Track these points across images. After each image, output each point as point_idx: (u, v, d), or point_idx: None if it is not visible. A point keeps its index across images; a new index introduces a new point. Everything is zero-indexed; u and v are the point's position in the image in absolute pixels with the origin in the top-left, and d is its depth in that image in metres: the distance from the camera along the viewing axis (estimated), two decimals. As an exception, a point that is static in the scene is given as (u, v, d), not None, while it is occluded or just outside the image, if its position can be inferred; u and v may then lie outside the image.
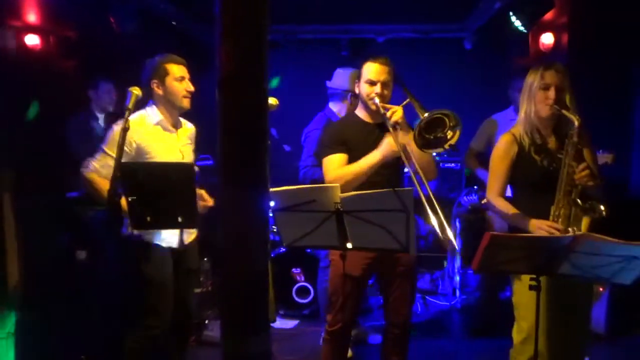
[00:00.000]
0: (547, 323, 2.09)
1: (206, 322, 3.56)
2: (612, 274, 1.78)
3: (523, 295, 2.12)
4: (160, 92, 2.38)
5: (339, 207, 1.89)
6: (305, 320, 3.78)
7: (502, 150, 2.24)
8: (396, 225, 1.86)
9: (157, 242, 2.39)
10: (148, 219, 2.01)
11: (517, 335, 2.20)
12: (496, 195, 2.25)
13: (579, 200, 2.06)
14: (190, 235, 2.55)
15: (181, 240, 2.49)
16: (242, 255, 1.60)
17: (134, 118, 2.32)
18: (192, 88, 2.42)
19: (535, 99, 2.16)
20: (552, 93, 2.11)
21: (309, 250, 3.82)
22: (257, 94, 1.57)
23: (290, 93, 4.50)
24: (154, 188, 1.94)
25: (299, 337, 3.55)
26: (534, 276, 1.87)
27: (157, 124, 2.41)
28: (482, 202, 3.69)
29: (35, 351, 2.89)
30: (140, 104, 2.36)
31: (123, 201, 1.95)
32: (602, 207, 2.02)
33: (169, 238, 2.43)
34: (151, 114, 2.41)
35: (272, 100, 2.25)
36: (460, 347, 3.47)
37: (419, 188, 1.97)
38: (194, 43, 4.54)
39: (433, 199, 1.91)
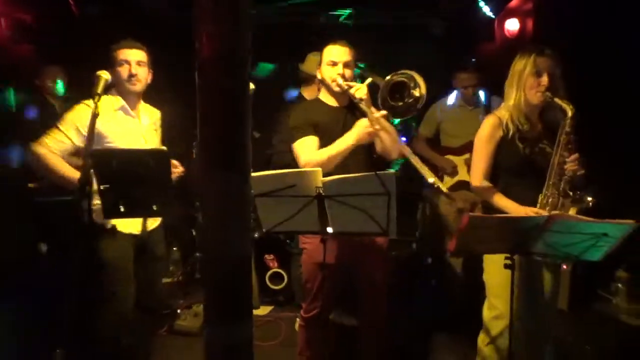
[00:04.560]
0: (517, 301, 2.16)
1: (178, 311, 3.52)
2: (581, 251, 1.85)
3: (496, 274, 2.19)
4: (112, 77, 2.34)
5: (320, 191, 1.88)
6: (280, 306, 3.78)
7: (487, 134, 2.23)
8: (377, 209, 1.87)
9: (118, 229, 2.35)
10: (121, 208, 1.95)
11: (488, 311, 2.27)
12: (481, 178, 2.24)
13: (570, 192, 2.08)
14: (154, 221, 2.52)
15: (144, 227, 2.45)
16: (224, 240, 1.58)
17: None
18: (134, 71, 2.36)
19: (525, 86, 2.14)
20: (544, 79, 2.10)
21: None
22: (239, 77, 1.54)
23: (258, 78, 4.45)
24: (129, 176, 1.88)
25: (274, 323, 3.55)
26: (508, 255, 1.93)
27: (120, 109, 2.39)
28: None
29: (5, 345, 2.78)
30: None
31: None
32: (589, 198, 2.06)
33: (130, 224, 2.39)
34: (113, 99, 2.39)
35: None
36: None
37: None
38: (162, 25, 4.37)
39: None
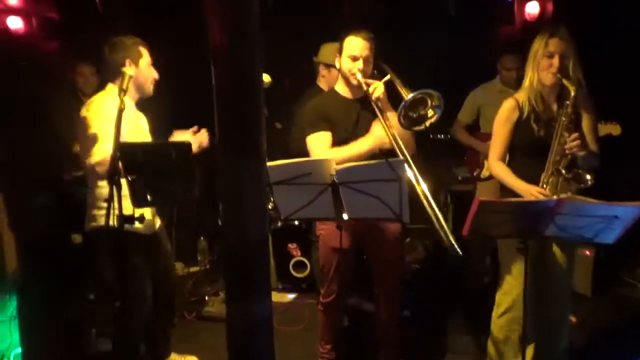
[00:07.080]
0: (530, 285, 2.18)
1: (206, 298, 3.66)
2: (595, 234, 1.86)
3: (506, 254, 2.28)
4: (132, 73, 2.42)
5: (334, 179, 1.95)
6: (303, 293, 3.88)
7: (505, 116, 2.29)
8: (389, 195, 1.92)
9: (142, 231, 2.38)
10: (149, 197, 2.06)
11: (499, 288, 2.35)
12: (497, 159, 2.32)
13: (563, 170, 2.12)
14: (159, 218, 2.65)
15: (155, 225, 2.58)
16: (241, 222, 1.65)
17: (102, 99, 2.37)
18: (157, 75, 2.48)
19: (539, 67, 2.19)
20: (556, 61, 2.13)
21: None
22: (250, 67, 1.60)
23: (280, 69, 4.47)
24: (153, 167, 1.98)
25: (297, 309, 3.64)
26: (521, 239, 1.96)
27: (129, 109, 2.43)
28: (474, 174, 3.74)
29: (38, 332, 2.94)
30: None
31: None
32: (587, 177, 2.08)
33: (150, 223, 2.46)
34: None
35: (265, 78, 2.28)
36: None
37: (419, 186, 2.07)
38: (182, 20, 4.46)
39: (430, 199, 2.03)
